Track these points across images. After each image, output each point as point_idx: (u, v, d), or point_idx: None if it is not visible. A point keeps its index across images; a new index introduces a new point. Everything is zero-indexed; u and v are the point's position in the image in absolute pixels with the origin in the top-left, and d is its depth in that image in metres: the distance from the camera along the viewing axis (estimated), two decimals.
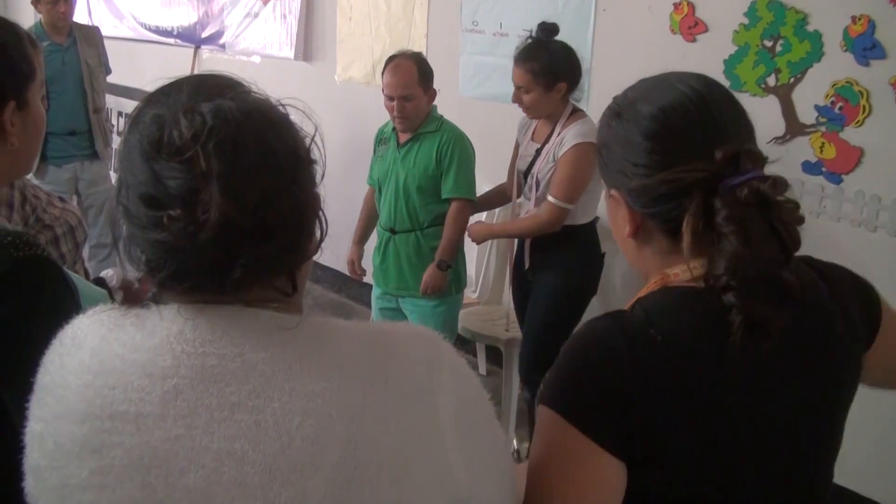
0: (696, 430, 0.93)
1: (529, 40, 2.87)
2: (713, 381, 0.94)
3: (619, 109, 1.03)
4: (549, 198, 2.83)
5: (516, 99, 2.88)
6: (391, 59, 3.10)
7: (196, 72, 0.86)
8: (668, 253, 1.00)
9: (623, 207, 1.02)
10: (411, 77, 3.01)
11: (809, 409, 1.01)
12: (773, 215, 0.91)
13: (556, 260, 2.98)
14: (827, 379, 1.03)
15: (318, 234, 0.83)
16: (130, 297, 1.35)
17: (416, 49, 3.97)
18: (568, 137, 2.80)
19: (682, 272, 0.98)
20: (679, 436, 0.93)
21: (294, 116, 0.84)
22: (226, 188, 0.72)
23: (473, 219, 3.26)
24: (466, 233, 3.13)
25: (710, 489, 0.96)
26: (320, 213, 0.84)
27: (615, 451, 0.91)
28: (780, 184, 0.92)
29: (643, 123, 0.99)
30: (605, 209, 1.11)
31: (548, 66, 2.80)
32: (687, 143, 0.96)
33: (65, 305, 1.05)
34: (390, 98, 3.04)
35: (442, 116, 3.16)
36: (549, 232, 2.89)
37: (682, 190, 0.94)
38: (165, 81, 0.82)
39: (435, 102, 3.16)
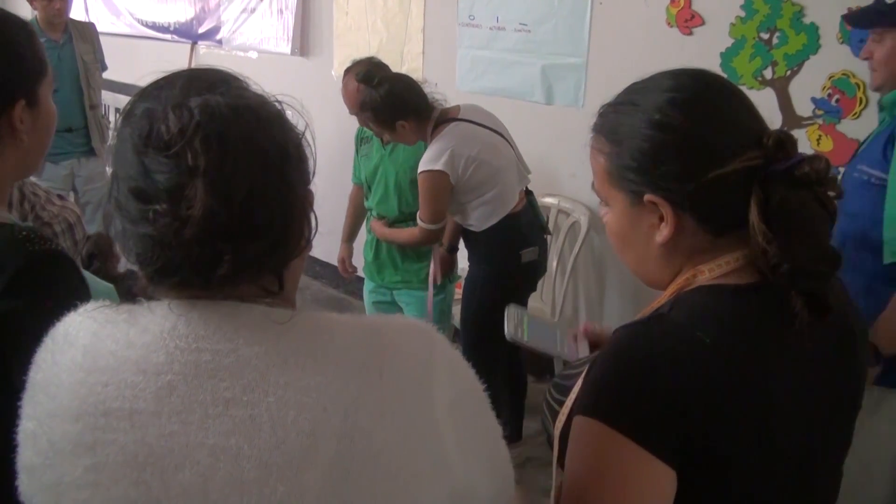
0: (749, 431, 0.90)
1: (359, 89, 2.92)
2: (763, 381, 0.92)
3: (649, 116, 0.98)
4: (417, 218, 2.93)
5: (380, 137, 3.02)
6: (345, 72, 3.14)
7: (193, 67, 0.86)
8: (702, 252, 0.98)
9: (656, 214, 0.98)
10: (355, 99, 3.04)
11: (838, 410, 1.02)
12: (822, 192, 0.94)
13: (471, 255, 3.08)
14: (852, 378, 1.03)
15: (306, 231, 0.82)
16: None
17: (413, 44, 3.96)
18: (421, 162, 2.86)
19: (717, 267, 0.97)
20: (733, 438, 0.89)
21: (289, 113, 0.83)
22: (210, 185, 0.72)
23: None
24: (372, 225, 3.21)
25: (758, 490, 0.93)
26: (311, 211, 0.83)
27: (670, 461, 0.87)
28: (828, 161, 0.95)
29: (684, 123, 0.96)
30: (612, 225, 1.05)
31: (378, 115, 2.85)
32: (734, 134, 0.95)
33: (80, 299, 1.05)
34: None
35: None
36: (425, 245, 3.08)
37: (737, 183, 0.93)
38: (160, 75, 0.82)
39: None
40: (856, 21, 2.18)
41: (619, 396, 0.90)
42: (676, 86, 0.99)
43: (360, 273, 3.50)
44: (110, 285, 0.85)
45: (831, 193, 0.96)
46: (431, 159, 2.80)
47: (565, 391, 1.06)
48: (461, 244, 3.24)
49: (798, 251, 0.91)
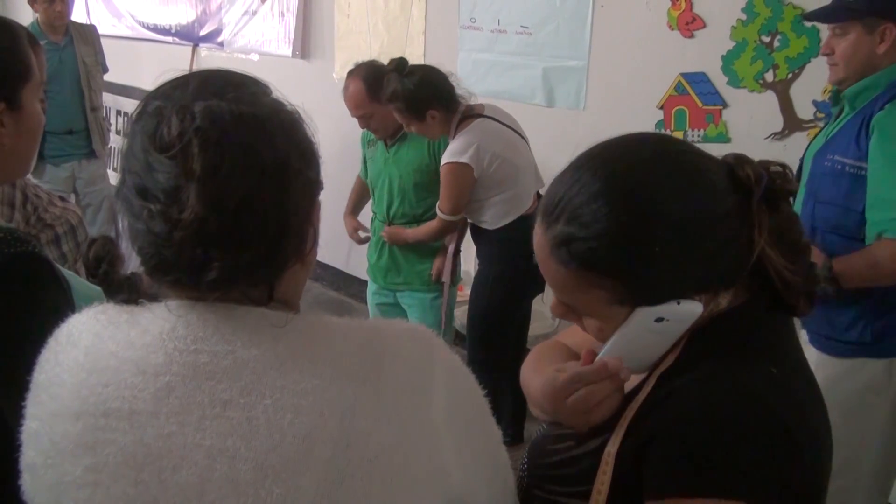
0: (827, 439, 0.89)
1: (389, 78, 2.92)
2: (817, 389, 0.92)
3: (655, 234, 0.87)
4: (437, 209, 2.94)
5: (407, 130, 2.99)
6: (347, 75, 3.13)
7: (194, 70, 0.86)
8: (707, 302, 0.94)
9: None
10: (358, 98, 3.04)
11: None
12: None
13: (482, 254, 3.09)
14: None
15: (306, 244, 0.81)
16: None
17: (414, 47, 3.96)
18: (446, 153, 2.87)
19: (723, 299, 0.93)
20: (826, 452, 0.89)
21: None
22: (203, 190, 0.72)
23: None
24: (383, 234, 3.19)
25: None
26: (312, 224, 0.83)
27: None
28: (785, 165, 0.95)
29: (702, 227, 0.88)
30: (607, 332, 0.94)
31: (409, 102, 2.85)
32: (732, 213, 0.90)
33: (56, 303, 1.05)
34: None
35: None
36: (444, 236, 3.09)
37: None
38: (171, 75, 0.82)
39: None
40: (821, 17, 2.20)
41: (754, 465, 0.81)
42: (651, 180, 0.89)
43: (365, 277, 3.50)
44: (98, 288, 0.85)
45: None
46: (457, 152, 2.82)
47: (569, 481, 0.95)
48: (462, 246, 3.24)
49: (801, 262, 0.93)
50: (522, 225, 2.94)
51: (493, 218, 2.93)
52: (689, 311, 0.89)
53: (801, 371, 0.92)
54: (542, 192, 3.08)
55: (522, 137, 2.97)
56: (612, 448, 0.89)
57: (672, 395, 0.87)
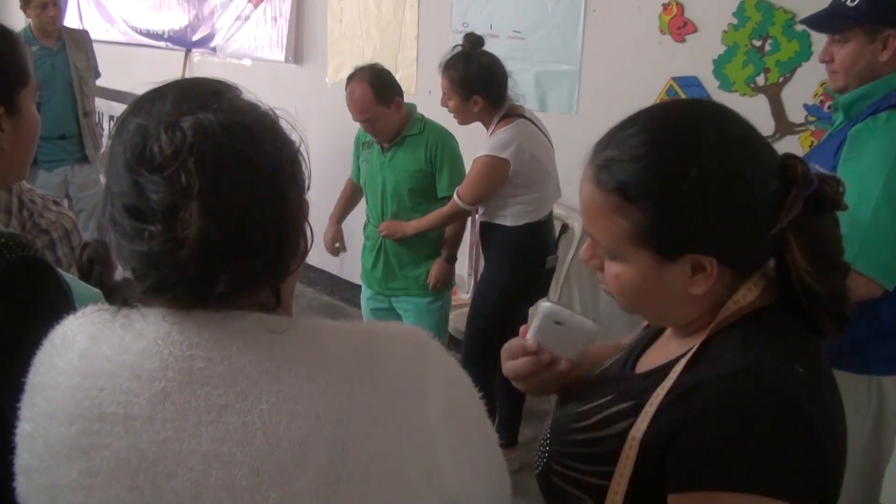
0: (845, 455, 0.91)
1: (458, 48, 2.94)
2: (837, 391, 0.93)
3: (687, 172, 0.89)
4: (454, 194, 2.95)
5: (444, 103, 2.99)
6: (349, 79, 3.10)
7: (188, 75, 0.86)
8: (730, 288, 0.95)
9: (689, 265, 0.92)
10: (365, 101, 3.01)
11: None
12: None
13: (495, 254, 3.09)
14: None
15: (302, 244, 0.82)
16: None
17: (407, 51, 3.97)
18: (486, 146, 2.89)
19: (749, 292, 0.95)
20: (841, 468, 0.90)
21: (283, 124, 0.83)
22: (205, 207, 0.72)
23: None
24: (381, 229, 3.18)
25: None
26: (307, 222, 0.83)
27: None
28: (839, 180, 0.95)
29: (733, 183, 0.91)
30: (631, 280, 0.95)
31: (463, 79, 2.88)
32: (769, 179, 0.92)
33: (58, 306, 1.05)
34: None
35: (423, 116, 3.16)
36: (450, 225, 3.09)
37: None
38: (151, 86, 0.81)
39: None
40: (819, 25, 2.10)
41: (786, 463, 0.82)
42: (700, 128, 0.93)
43: (358, 281, 3.49)
44: (98, 291, 0.86)
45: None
46: (499, 146, 2.85)
47: (591, 460, 0.98)
48: (463, 248, 3.25)
49: (831, 279, 0.93)
50: (539, 230, 3.00)
51: (515, 215, 2.95)
52: (585, 326, 0.96)
53: (825, 376, 0.93)
54: (560, 203, 3.13)
55: (551, 146, 3.02)
56: (636, 433, 0.91)
57: (697, 388, 0.88)
